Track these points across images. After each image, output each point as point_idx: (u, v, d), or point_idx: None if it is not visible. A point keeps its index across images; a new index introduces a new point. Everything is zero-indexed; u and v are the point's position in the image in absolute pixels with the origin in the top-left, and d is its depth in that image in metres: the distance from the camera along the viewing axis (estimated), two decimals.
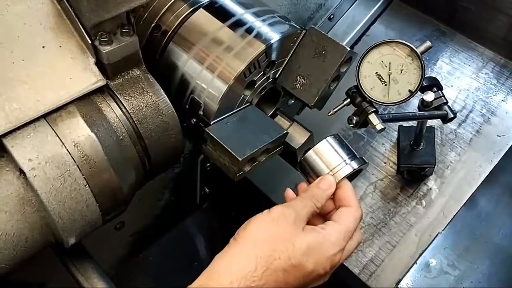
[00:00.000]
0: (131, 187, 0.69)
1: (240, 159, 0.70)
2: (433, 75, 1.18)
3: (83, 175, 0.61)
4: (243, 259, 0.60)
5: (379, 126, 0.72)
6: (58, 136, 0.60)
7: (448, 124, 1.07)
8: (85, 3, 0.59)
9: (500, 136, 1.08)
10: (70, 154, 0.60)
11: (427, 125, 1.00)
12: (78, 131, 0.62)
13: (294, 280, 0.62)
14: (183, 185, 1.21)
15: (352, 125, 0.75)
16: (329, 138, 0.72)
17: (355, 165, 0.70)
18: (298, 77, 0.77)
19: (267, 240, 0.62)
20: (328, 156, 0.70)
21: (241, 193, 1.17)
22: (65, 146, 0.60)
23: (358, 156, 0.72)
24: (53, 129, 0.61)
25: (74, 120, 0.62)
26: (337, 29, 1.31)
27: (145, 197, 1.11)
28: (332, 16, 1.31)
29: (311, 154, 0.71)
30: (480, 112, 1.13)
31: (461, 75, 1.18)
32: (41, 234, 0.62)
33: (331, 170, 0.69)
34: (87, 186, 0.61)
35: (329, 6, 1.29)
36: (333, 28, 1.31)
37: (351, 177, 0.72)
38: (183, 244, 1.18)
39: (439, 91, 0.83)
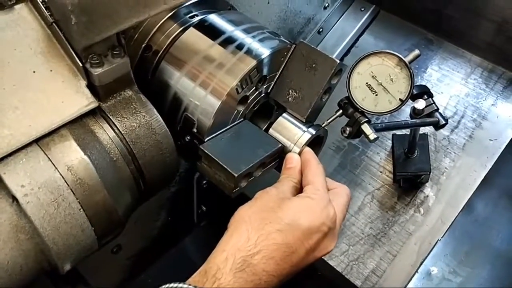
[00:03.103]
0: (126, 208, 0.68)
1: (236, 175, 0.69)
2: (423, 82, 1.20)
3: (77, 199, 0.60)
4: (235, 236, 0.60)
5: (372, 136, 0.72)
6: (50, 161, 0.60)
7: (441, 130, 1.08)
8: (75, 27, 0.59)
9: (492, 140, 1.09)
10: (64, 178, 0.60)
11: (420, 132, 1.01)
12: (71, 154, 0.61)
13: (296, 240, 0.61)
14: (180, 204, 1.20)
15: (345, 135, 0.75)
16: (284, 114, 0.77)
17: (312, 131, 0.75)
18: (290, 91, 0.77)
19: (254, 212, 0.62)
20: (287, 129, 0.76)
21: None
22: (58, 170, 0.60)
23: (315, 124, 0.77)
24: (45, 154, 0.60)
25: (67, 143, 0.62)
26: (326, 42, 1.33)
27: (141, 218, 1.10)
28: (321, 30, 1.33)
29: (272, 132, 0.77)
30: (472, 117, 1.14)
31: (451, 82, 1.19)
32: (36, 262, 0.61)
33: (292, 142, 0.75)
34: (81, 210, 0.61)
35: (318, 19, 1.32)
36: (322, 41, 1.33)
37: (315, 144, 0.78)
38: (182, 264, 1.16)
39: (430, 99, 0.84)
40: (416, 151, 1.04)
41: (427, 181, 1.08)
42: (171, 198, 1.17)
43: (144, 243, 1.19)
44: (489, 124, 1.12)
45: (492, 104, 1.14)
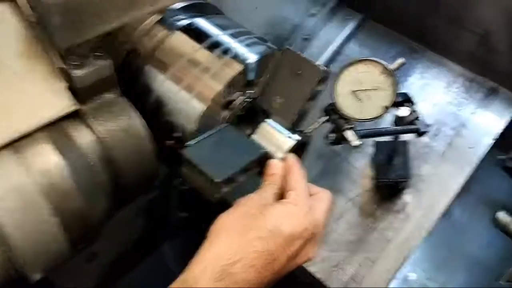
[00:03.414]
0: (102, 215, 0.66)
1: (218, 181, 0.68)
2: (406, 90, 1.20)
3: (49, 204, 0.58)
4: (215, 245, 0.58)
5: (355, 143, 0.72)
6: (23, 165, 0.58)
7: (422, 137, 1.09)
8: (57, 27, 0.57)
9: (471, 148, 1.11)
10: (36, 183, 0.57)
11: (402, 139, 1.02)
12: (45, 158, 0.59)
13: (278, 247, 0.59)
14: (159, 210, 1.18)
15: (329, 142, 0.75)
16: (269, 120, 0.76)
17: (297, 137, 0.74)
18: (275, 97, 0.76)
19: (235, 219, 0.61)
20: (271, 135, 0.75)
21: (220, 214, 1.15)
22: (30, 174, 0.57)
23: (299, 130, 0.76)
24: (18, 158, 0.58)
25: (43, 147, 0.60)
26: (312, 48, 1.33)
27: (118, 224, 1.07)
28: (307, 37, 1.33)
29: (256, 137, 0.75)
30: (451, 125, 1.15)
31: (433, 90, 1.21)
32: (3, 269, 0.58)
33: (276, 147, 0.74)
34: (54, 216, 0.58)
35: (305, 27, 1.32)
36: (308, 48, 1.34)
37: (299, 150, 0.77)
38: (160, 272, 1.14)
39: (412, 106, 0.85)
40: (397, 158, 1.05)
41: (407, 188, 1.08)
42: (149, 204, 1.14)
43: (121, 250, 1.15)
44: (468, 132, 1.13)
45: (472, 113, 1.16)
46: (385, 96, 0.71)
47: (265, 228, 0.60)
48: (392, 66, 0.70)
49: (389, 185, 1.06)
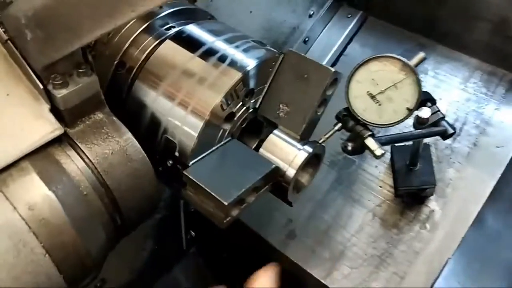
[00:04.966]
0: (101, 248, 0.60)
1: (227, 203, 0.62)
2: None
3: (41, 243, 0.52)
4: None
5: (379, 151, 0.64)
6: (8, 200, 0.52)
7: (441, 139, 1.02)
8: (31, 43, 0.52)
9: (499, 147, 1.03)
10: (24, 220, 0.52)
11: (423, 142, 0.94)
12: (32, 191, 0.54)
13: None
14: (167, 231, 1.13)
15: (347, 152, 0.67)
16: (276, 131, 0.70)
17: (309, 149, 0.68)
18: (280, 105, 0.70)
19: None
20: (280, 148, 0.69)
21: (230, 232, 1.10)
22: (17, 210, 0.52)
23: (311, 141, 0.70)
24: (2, 192, 0.52)
25: (28, 178, 0.54)
26: (313, 51, 1.29)
27: (125, 249, 1.02)
28: (307, 39, 1.29)
29: (263, 152, 0.69)
30: (474, 123, 1.08)
31: (449, 87, 1.14)
32: None
33: (286, 162, 0.68)
34: (46, 255, 0.53)
35: (303, 28, 1.27)
36: (309, 50, 1.29)
37: (312, 163, 0.70)
38: None
39: (434, 106, 0.77)
40: (418, 162, 0.97)
41: (432, 195, 1.01)
42: (157, 225, 1.09)
43: (131, 275, 1.10)
44: (494, 130, 1.05)
45: (495, 109, 1.08)
46: (407, 97, 0.63)
47: None
48: (412, 61, 0.62)
49: (412, 192, 0.99)
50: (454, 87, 1.13)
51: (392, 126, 0.65)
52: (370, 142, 0.65)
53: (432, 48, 1.19)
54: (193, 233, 1.16)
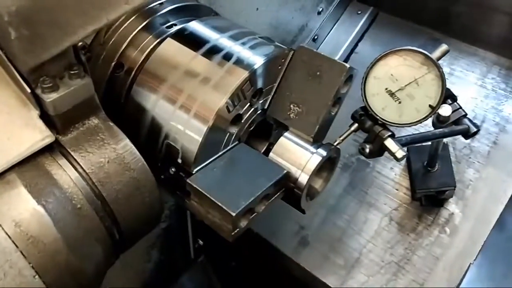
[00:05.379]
0: (98, 266, 0.56)
1: (234, 214, 0.57)
2: None
3: (29, 263, 0.48)
4: None
5: (400, 153, 0.59)
6: None
7: (460, 137, 0.97)
8: (16, 42, 0.48)
9: None
10: (11, 238, 0.48)
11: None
12: (19, 205, 0.50)
13: None
14: (173, 240, 1.10)
15: (366, 155, 0.62)
16: (286, 134, 0.66)
17: (323, 152, 0.63)
18: (291, 105, 0.65)
19: None
20: (291, 152, 0.64)
21: (239, 241, 1.07)
22: (2, 228, 0.48)
23: (324, 143, 0.66)
24: None
25: (15, 191, 0.50)
26: (323, 49, 1.25)
27: (130, 261, 0.99)
28: (316, 37, 1.25)
29: (273, 156, 0.65)
30: (494, 121, 1.04)
31: (466, 84, 1.10)
32: None
33: (298, 167, 0.63)
34: (36, 276, 0.49)
35: (312, 26, 1.24)
36: (318, 49, 1.26)
37: (326, 167, 0.66)
38: None
39: (455, 103, 0.72)
40: (437, 163, 0.92)
41: (451, 197, 0.97)
42: (162, 235, 1.06)
43: (137, 285, 1.06)
44: None
45: None
46: (429, 93, 0.58)
47: None
48: (435, 55, 0.57)
49: (431, 195, 0.95)
50: (471, 83, 1.10)
51: (414, 125, 0.60)
52: (390, 143, 0.60)
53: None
54: (201, 242, 1.14)
